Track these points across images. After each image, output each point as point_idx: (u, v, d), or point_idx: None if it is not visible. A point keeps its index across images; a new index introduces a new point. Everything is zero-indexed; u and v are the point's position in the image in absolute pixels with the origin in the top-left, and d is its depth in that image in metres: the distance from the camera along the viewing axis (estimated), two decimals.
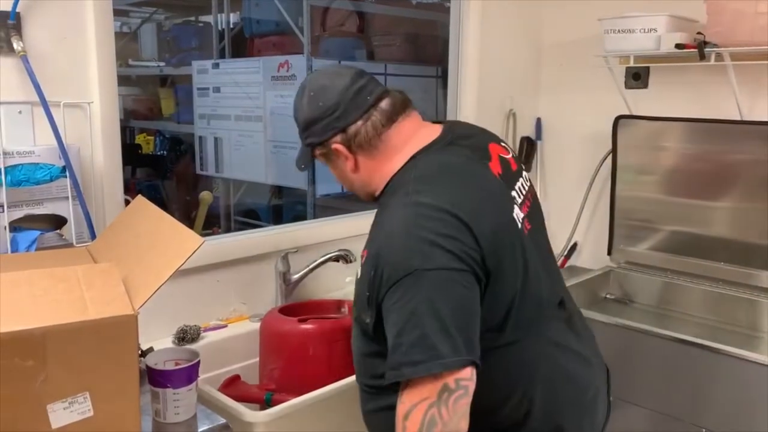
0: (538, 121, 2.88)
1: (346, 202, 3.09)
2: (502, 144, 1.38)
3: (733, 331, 2.25)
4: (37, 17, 1.49)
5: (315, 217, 2.95)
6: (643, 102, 2.50)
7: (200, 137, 3.66)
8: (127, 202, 1.66)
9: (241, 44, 3.75)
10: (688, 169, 2.37)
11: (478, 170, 1.27)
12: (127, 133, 4.69)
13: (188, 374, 1.29)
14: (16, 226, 1.46)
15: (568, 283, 2.38)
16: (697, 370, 1.94)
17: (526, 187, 1.36)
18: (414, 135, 1.28)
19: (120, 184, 1.68)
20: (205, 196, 3.67)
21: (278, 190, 3.61)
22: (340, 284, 2.17)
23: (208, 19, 4.13)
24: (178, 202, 4.13)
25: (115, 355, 1.05)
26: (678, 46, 2.16)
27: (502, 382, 1.21)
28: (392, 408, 1.11)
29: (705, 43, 2.12)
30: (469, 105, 2.61)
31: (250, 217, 3.76)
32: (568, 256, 2.78)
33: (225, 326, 1.92)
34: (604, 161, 2.61)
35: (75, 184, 1.52)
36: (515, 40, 2.76)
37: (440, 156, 1.26)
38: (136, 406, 1.10)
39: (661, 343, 1.99)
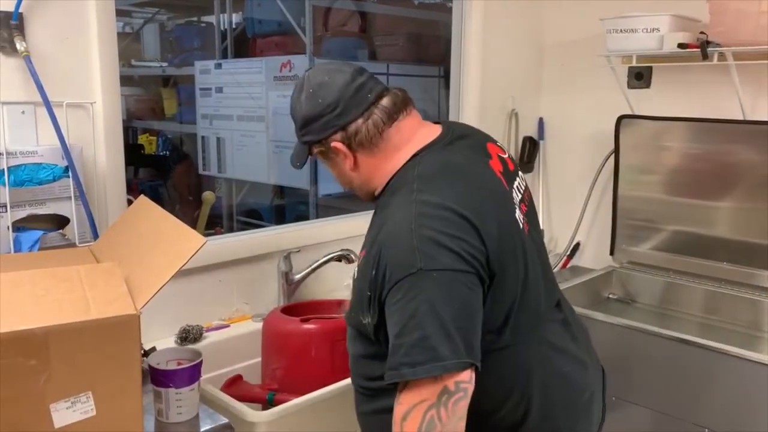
0: (541, 120, 2.88)
1: (348, 202, 3.09)
2: (498, 144, 1.37)
3: (735, 331, 2.25)
4: (40, 17, 1.50)
5: (317, 216, 2.96)
6: (645, 102, 2.49)
7: (203, 137, 3.66)
8: (129, 202, 1.66)
9: (243, 44, 3.75)
10: (690, 168, 2.37)
11: (481, 169, 1.25)
12: (129, 133, 4.70)
13: (190, 374, 1.29)
14: (19, 226, 1.47)
15: (571, 283, 2.40)
16: (699, 370, 1.94)
17: (523, 186, 1.35)
18: (415, 134, 1.25)
19: (122, 183, 1.68)
20: (208, 196, 3.67)
21: (280, 190, 3.61)
22: (343, 284, 2.17)
23: (211, 19, 4.13)
24: (180, 202, 4.14)
25: (118, 354, 1.06)
26: (680, 45, 2.15)
27: (499, 385, 1.20)
28: (388, 410, 1.10)
29: (708, 43, 2.12)
30: (471, 105, 2.61)
31: (252, 217, 3.76)
32: (570, 256, 2.78)
33: (227, 326, 1.92)
34: (606, 161, 2.61)
35: (78, 184, 1.53)
36: (517, 39, 2.76)
37: (442, 155, 1.23)
38: (139, 405, 1.10)
39: (663, 343, 1.99)
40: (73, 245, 1.50)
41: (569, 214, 2.73)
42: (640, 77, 2.51)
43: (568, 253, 2.77)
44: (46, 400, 1.01)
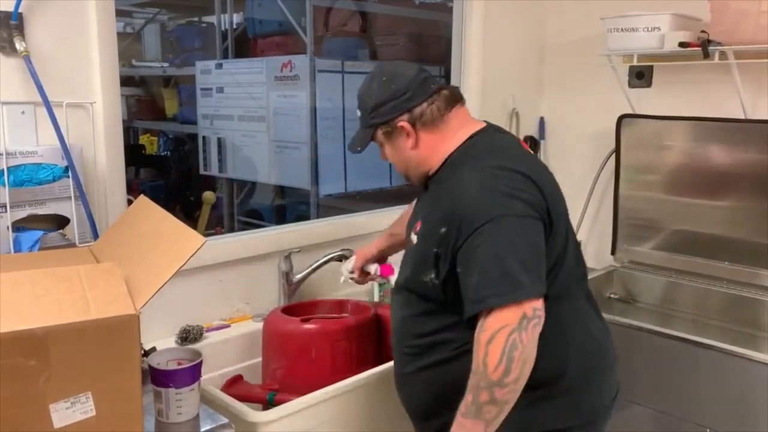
0: (541, 120, 2.88)
1: (349, 202, 3.09)
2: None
3: (737, 331, 2.24)
4: (40, 17, 1.50)
5: (318, 217, 2.95)
6: (646, 101, 2.49)
7: (203, 137, 3.66)
8: (129, 202, 1.66)
9: (244, 44, 3.75)
10: (691, 168, 2.37)
11: (527, 152, 1.50)
12: (130, 133, 4.70)
13: (191, 374, 1.29)
14: (19, 227, 1.47)
15: None
16: (700, 369, 1.93)
17: None
18: (467, 122, 1.45)
19: (122, 183, 1.68)
20: (208, 196, 3.68)
21: (281, 190, 3.61)
22: (343, 284, 2.17)
23: (212, 19, 4.13)
24: (181, 202, 4.14)
25: (118, 354, 1.05)
26: (681, 44, 2.15)
27: (541, 338, 1.29)
28: (435, 365, 1.30)
29: (709, 42, 2.11)
30: (472, 104, 2.57)
31: (253, 217, 3.76)
32: None
33: (228, 326, 1.92)
34: (607, 160, 2.60)
35: (78, 184, 1.53)
36: (518, 39, 2.75)
37: (495, 138, 1.45)
38: (139, 405, 1.09)
39: (665, 342, 1.98)
40: (73, 245, 1.50)
41: (570, 213, 2.72)
42: (641, 76, 2.51)
43: None
44: (46, 400, 1.00)
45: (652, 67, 2.48)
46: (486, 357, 1.19)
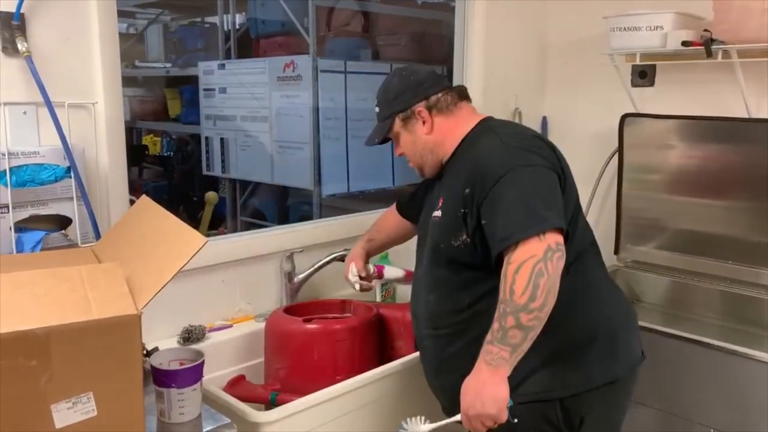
0: (544, 119, 2.87)
1: (352, 202, 3.09)
2: None
3: (741, 330, 2.24)
4: (42, 18, 1.50)
5: (321, 217, 2.95)
6: (649, 100, 2.49)
7: (206, 138, 3.66)
8: (132, 203, 1.66)
9: (246, 45, 3.75)
10: (695, 167, 2.36)
11: None
12: (134, 134, 4.71)
13: (193, 374, 1.29)
14: (21, 227, 1.47)
15: None
16: (704, 369, 1.93)
17: None
18: (476, 113, 1.61)
19: (125, 184, 1.68)
20: (211, 196, 3.68)
21: (284, 190, 3.61)
22: (345, 284, 2.16)
23: (214, 20, 4.13)
24: (184, 203, 4.14)
25: (119, 354, 1.05)
26: (684, 43, 2.14)
27: (574, 296, 1.43)
28: (477, 339, 1.34)
29: (712, 41, 2.11)
30: (474, 104, 2.56)
31: (256, 217, 3.76)
32: None
33: (230, 326, 1.92)
34: (610, 160, 2.60)
35: (80, 184, 1.53)
36: (520, 38, 2.75)
37: (505, 120, 1.64)
38: (140, 405, 1.09)
39: (669, 342, 1.98)
40: (75, 246, 1.51)
41: None
42: (643, 75, 2.50)
43: None
44: (47, 400, 1.01)
45: (654, 66, 2.47)
46: (513, 284, 1.27)
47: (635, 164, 2.49)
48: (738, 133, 2.24)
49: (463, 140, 1.54)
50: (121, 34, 1.64)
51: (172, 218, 1.31)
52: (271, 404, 1.67)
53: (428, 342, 1.57)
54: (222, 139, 3.55)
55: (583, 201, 2.64)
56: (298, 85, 3.05)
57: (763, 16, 2.00)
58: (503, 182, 1.35)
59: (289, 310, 1.86)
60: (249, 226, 3.65)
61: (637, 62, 2.37)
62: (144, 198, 1.43)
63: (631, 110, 2.48)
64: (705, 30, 2.16)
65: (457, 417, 1.37)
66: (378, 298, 2.22)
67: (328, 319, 1.83)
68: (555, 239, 1.30)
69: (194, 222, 3.62)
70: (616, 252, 2.57)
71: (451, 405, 1.50)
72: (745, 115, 2.22)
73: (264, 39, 3.57)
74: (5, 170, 1.44)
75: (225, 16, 3.92)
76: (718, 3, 2.11)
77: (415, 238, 1.72)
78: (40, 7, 1.49)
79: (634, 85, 2.51)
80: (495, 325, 1.30)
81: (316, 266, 2.05)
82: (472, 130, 1.54)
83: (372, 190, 3.15)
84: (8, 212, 1.45)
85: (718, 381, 1.91)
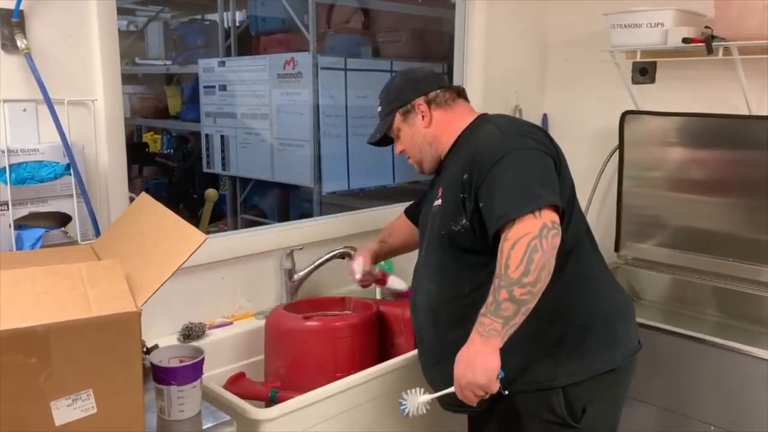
0: (545, 117, 2.87)
1: (352, 199, 3.09)
2: None
3: (740, 328, 2.24)
4: (41, 15, 1.49)
5: (321, 214, 2.95)
6: (650, 97, 2.48)
7: (207, 135, 3.66)
8: (132, 200, 1.66)
9: (247, 42, 3.75)
10: (695, 164, 2.36)
11: None
12: (134, 131, 4.71)
13: (192, 371, 1.29)
14: (20, 224, 1.47)
15: None
16: (704, 366, 1.93)
17: None
18: (473, 110, 1.66)
19: (124, 181, 1.68)
20: (210, 193, 3.68)
21: (284, 188, 3.61)
22: (346, 281, 2.17)
23: (214, 17, 4.13)
24: (185, 200, 4.14)
25: (119, 352, 1.05)
26: (685, 40, 2.14)
27: (571, 285, 1.47)
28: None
29: (712, 38, 2.10)
30: (474, 101, 2.54)
31: (256, 215, 3.76)
32: None
33: (230, 323, 1.92)
34: (610, 157, 2.59)
35: (79, 181, 1.53)
36: (521, 35, 2.74)
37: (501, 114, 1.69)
38: (140, 403, 1.09)
39: (669, 340, 1.98)
40: (74, 243, 1.50)
41: None
42: (644, 72, 2.49)
43: None
44: (47, 397, 1.01)
45: (655, 63, 2.46)
46: (508, 260, 1.30)
47: (636, 161, 2.49)
48: (739, 131, 2.24)
49: (461, 135, 1.58)
50: (121, 32, 1.64)
51: (171, 215, 1.31)
52: (271, 401, 1.67)
53: (428, 332, 1.58)
54: (222, 137, 3.55)
55: (584, 198, 2.66)
56: (299, 82, 3.05)
57: (764, 12, 1.99)
58: (500, 165, 1.39)
59: (289, 308, 1.86)
60: (249, 224, 3.65)
61: (638, 59, 2.36)
62: (143, 195, 1.43)
63: (632, 107, 2.48)
64: (706, 27, 2.16)
65: (452, 389, 1.39)
66: (378, 296, 2.22)
67: (328, 317, 1.83)
68: (551, 217, 1.32)
69: (194, 219, 3.62)
70: (617, 249, 2.57)
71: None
72: (746, 112, 2.21)
73: (264, 36, 3.57)
74: (5, 167, 1.44)
75: (225, 13, 3.92)
76: (718, 0, 2.10)
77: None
78: (40, 4, 1.49)
79: (634, 82, 2.50)
80: (489, 299, 1.32)
81: (316, 263, 2.05)
82: (469, 125, 1.59)
83: (372, 188, 3.15)
84: (8, 209, 1.45)
85: (718, 378, 1.91)
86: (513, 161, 1.39)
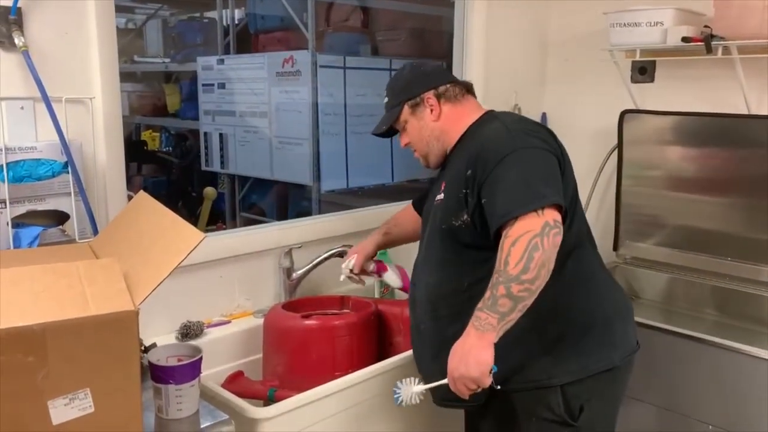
0: (544, 115, 2.87)
1: (351, 198, 3.09)
2: None
3: (739, 327, 2.24)
4: (39, 12, 1.49)
5: (320, 213, 2.95)
6: (649, 96, 2.48)
7: (205, 133, 3.65)
8: (130, 198, 1.65)
9: (245, 40, 3.74)
10: (694, 164, 2.36)
11: None
12: (132, 130, 4.70)
13: (190, 370, 1.29)
14: (18, 222, 1.46)
15: None
16: (703, 366, 1.93)
17: None
18: (480, 106, 1.66)
19: (122, 179, 1.68)
20: (209, 191, 3.67)
21: (283, 186, 3.60)
22: (344, 280, 2.16)
23: (213, 15, 4.13)
24: (183, 198, 4.14)
25: (116, 351, 1.05)
26: (684, 39, 2.14)
27: (571, 285, 1.48)
28: None
29: (712, 37, 2.10)
30: None
31: (255, 213, 3.76)
32: None
33: (228, 322, 1.92)
34: (609, 156, 2.59)
35: (77, 179, 1.52)
36: (520, 34, 2.74)
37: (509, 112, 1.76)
38: (138, 402, 1.09)
39: (667, 339, 1.98)
40: (72, 241, 1.50)
41: None
42: (643, 71, 2.49)
43: None
44: (44, 396, 1.00)
45: (654, 62, 2.46)
46: (508, 256, 1.30)
47: (635, 160, 2.49)
48: (738, 130, 2.24)
49: (467, 130, 1.59)
50: (120, 29, 1.63)
51: (169, 214, 1.30)
52: (269, 400, 1.67)
53: (426, 326, 1.58)
54: (221, 135, 3.54)
55: (583, 197, 2.63)
56: (297, 80, 3.05)
57: (764, 12, 1.99)
58: (504, 163, 1.39)
59: (288, 306, 1.86)
60: (248, 222, 3.65)
61: (637, 58, 2.36)
62: (141, 194, 1.42)
63: (631, 106, 2.47)
64: (705, 26, 2.15)
65: (446, 380, 1.39)
66: (376, 294, 2.21)
67: (327, 315, 1.83)
68: (553, 216, 1.33)
69: (193, 218, 3.62)
70: (615, 248, 2.57)
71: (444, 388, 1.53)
72: (745, 112, 2.21)
73: (263, 34, 3.57)
74: (2, 165, 1.43)
75: (224, 11, 3.91)
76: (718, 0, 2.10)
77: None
78: (38, 1, 1.48)
79: (633, 81, 2.51)
80: (487, 294, 1.33)
81: (314, 262, 2.04)
82: (476, 120, 1.59)
83: (371, 186, 3.15)
84: (5, 208, 1.44)
85: (716, 377, 1.91)
86: (518, 159, 1.39)
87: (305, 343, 1.72)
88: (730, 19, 2.07)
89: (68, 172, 1.51)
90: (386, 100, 1.69)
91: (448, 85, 1.63)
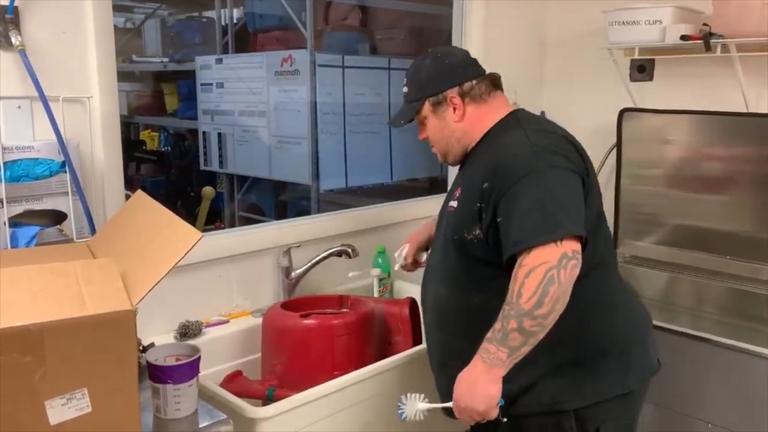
0: (542, 114, 2.86)
1: (350, 197, 3.09)
2: None
3: (739, 325, 2.23)
4: (36, 11, 1.48)
5: (319, 212, 2.95)
6: (648, 94, 2.48)
7: (204, 133, 3.65)
8: (128, 197, 1.65)
9: (244, 39, 3.74)
10: (693, 162, 2.35)
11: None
12: (131, 129, 4.70)
13: (189, 370, 1.28)
14: (15, 222, 1.46)
15: None
16: (704, 364, 1.93)
17: None
18: (506, 104, 1.56)
19: (120, 178, 1.67)
20: (207, 191, 3.67)
21: (282, 186, 3.60)
22: (343, 279, 2.16)
23: (212, 14, 4.13)
24: (182, 198, 4.14)
25: (114, 350, 1.05)
26: (683, 37, 2.13)
27: (590, 305, 1.40)
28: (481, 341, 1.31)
29: (710, 35, 2.10)
30: None
31: (254, 213, 3.76)
32: None
33: (227, 322, 1.91)
34: (608, 155, 2.59)
35: (74, 179, 1.52)
36: (519, 32, 2.74)
37: (533, 114, 1.57)
38: (135, 401, 1.09)
39: (666, 337, 1.97)
40: (70, 241, 1.50)
41: None
42: (642, 70, 2.49)
43: None
44: (41, 396, 1.00)
45: (653, 60, 2.46)
46: (522, 288, 1.23)
47: (634, 159, 2.49)
48: (737, 128, 2.23)
49: (490, 130, 1.50)
50: (118, 29, 1.63)
51: (167, 213, 1.30)
52: (268, 400, 1.67)
53: (433, 335, 1.55)
54: (219, 134, 3.55)
55: None
56: (296, 79, 3.05)
57: (763, 10, 1.99)
58: (524, 182, 1.31)
59: (287, 306, 1.85)
60: (246, 221, 3.65)
61: (636, 56, 2.36)
62: (139, 193, 1.42)
63: (630, 105, 2.47)
64: (704, 24, 2.15)
65: (450, 404, 1.38)
66: (375, 293, 2.21)
67: (326, 315, 1.83)
68: (572, 246, 1.25)
69: (191, 217, 3.62)
70: (615, 247, 2.56)
71: (450, 398, 1.50)
72: (744, 110, 2.21)
73: (261, 33, 3.57)
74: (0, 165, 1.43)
75: (223, 10, 3.91)
76: None
77: None
78: (35, 0, 1.48)
79: (632, 79, 2.50)
80: (497, 325, 1.27)
81: (313, 261, 2.04)
82: (499, 121, 1.50)
83: (370, 185, 3.15)
84: (2, 207, 1.44)
85: (717, 376, 1.91)
86: (539, 180, 1.31)
87: (304, 343, 1.71)
88: (729, 17, 2.07)
89: (66, 172, 1.51)
90: (405, 89, 1.57)
91: (473, 81, 1.50)
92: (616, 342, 1.44)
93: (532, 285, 1.22)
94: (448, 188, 2.61)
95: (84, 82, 1.58)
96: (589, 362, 1.41)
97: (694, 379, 1.95)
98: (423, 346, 1.80)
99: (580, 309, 1.33)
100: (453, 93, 1.50)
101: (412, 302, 1.88)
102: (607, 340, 1.43)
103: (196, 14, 4.48)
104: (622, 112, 2.46)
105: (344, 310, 1.92)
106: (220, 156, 3.57)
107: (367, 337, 1.80)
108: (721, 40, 2.09)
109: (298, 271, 2.03)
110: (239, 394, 1.56)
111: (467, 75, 1.51)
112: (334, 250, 2.04)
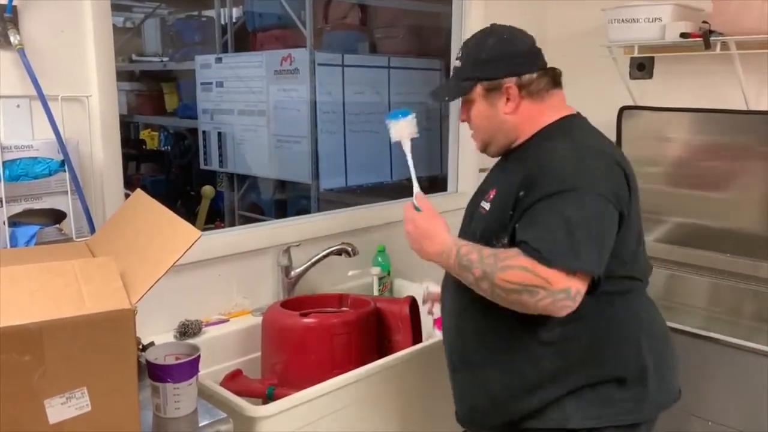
0: None
1: (350, 196, 3.09)
2: None
3: (738, 323, 2.23)
4: (34, 10, 1.48)
5: (319, 211, 2.95)
6: (648, 92, 2.47)
7: (204, 132, 3.65)
8: (127, 197, 1.65)
9: (243, 38, 3.74)
10: (693, 160, 2.35)
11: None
12: (131, 128, 4.70)
13: (188, 369, 1.28)
14: (14, 221, 1.46)
15: None
16: (702, 361, 1.92)
17: None
18: (564, 104, 1.47)
19: (119, 177, 1.67)
20: (207, 190, 3.68)
21: (282, 185, 3.60)
22: (343, 278, 2.16)
23: (211, 13, 4.13)
24: (182, 197, 4.14)
25: (113, 349, 1.04)
26: (683, 35, 2.13)
27: (621, 330, 1.36)
28: (499, 354, 1.35)
29: (710, 32, 2.10)
30: None
31: (254, 212, 3.76)
32: None
33: (227, 320, 1.91)
34: None
35: (74, 178, 1.52)
36: None
37: (589, 124, 1.48)
38: (135, 400, 1.09)
39: None
40: (69, 240, 1.50)
41: None
42: (642, 68, 2.49)
43: None
44: (41, 396, 1.00)
45: (653, 58, 2.46)
46: (512, 270, 1.20)
47: (633, 157, 2.43)
48: (736, 125, 2.23)
49: (540, 131, 1.40)
50: (118, 28, 1.63)
51: (166, 212, 1.30)
52: (267, 399, 1.67)
53: (449, 337, 1.50)
54: (219, 134, 3.55)
55: None
56: (296, 78, 3.05)
57: (763, 7, 1.99)
58: (557, 199, 1.23)
59: (286, 305, 1.85)
60: (246, 221, 3.65)
61: (636, 54, 2.35)
62: (138, 192, 1.42)
63: (630, 103, 2.47)
64: (704, 22, 2.15)
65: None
66: (375, 292, 2.21)
67: (325, 314, 1.83)
68: (578, 286, 1.19)
69: (191, 216, 3.62)
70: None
71: (461, 408, 1.48)
72: (744, 107, 2.21)
73: (261, 32, 3.57)
74: None
75: (222, 9, 3.91)
76: None
77: None
78: None
79: (632, 77, 2.50)
80: (475, 251, 1.28)
81: (313, 260, 2.04)
82: (551, 124, 1.41)
83: (370, 184, 3.15)
84: (2, 206, 1.44)
85: (717, 373, 1.91)
86: (575, 201, 1.22)
87: (304, 342, 1.71)
88: (729, 15, 2.07)
89: (65, 171, 1.51)
90: (458, 63, 1.45)
91: (534, 75, 1.39)
92: (634, 371, 1.37)
93: (518, 279, 1.19)
94: (449, 186, 2.64)
95: (83, 82, 1.57)
96: (603, 391, 1.35)
97: (693, 375, 1.95)
98: (423, 344, 1.80)
99: (597, 336, 1.32)
100: (510, 82, 1.38)
101: (412, 301, 1.88)
102: (624, 369, 1.36)
103: (195, 13, 4.49)
104: (622, 110, 2.46)
105: (344, 308, 1.92)
106: (220, 155, 3.58)
107: (367, 335, 1.80)
108: (720, 38, 2.09)
109: (298, 269, 2.03)
110: (239, 393, 1.56)
111: (530, 66, 1.40)
112: (333, 248, 2.04)
